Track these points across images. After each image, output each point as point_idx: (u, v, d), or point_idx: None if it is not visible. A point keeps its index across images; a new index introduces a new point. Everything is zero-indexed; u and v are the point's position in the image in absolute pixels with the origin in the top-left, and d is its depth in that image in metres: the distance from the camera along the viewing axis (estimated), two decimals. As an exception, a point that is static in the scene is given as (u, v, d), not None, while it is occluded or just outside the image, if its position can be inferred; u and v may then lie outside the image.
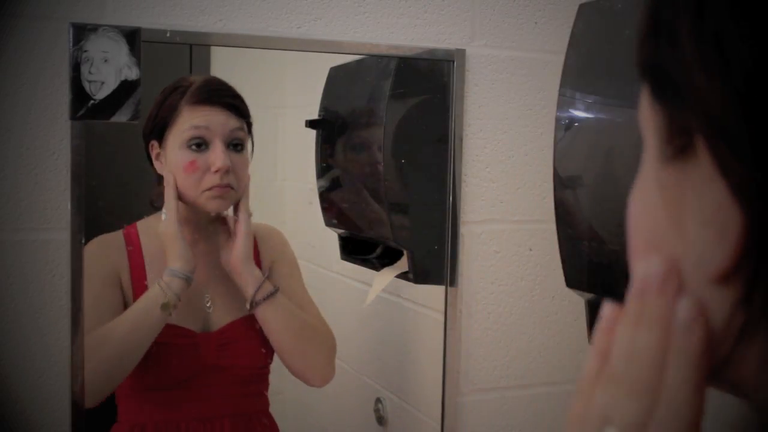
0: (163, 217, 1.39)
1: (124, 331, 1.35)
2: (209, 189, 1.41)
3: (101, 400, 1.36)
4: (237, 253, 1.43)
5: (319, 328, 1.52)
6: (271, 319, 1.45)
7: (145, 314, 1.36)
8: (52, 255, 1.29)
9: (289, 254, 1.57)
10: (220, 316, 1.45)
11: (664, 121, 0.37)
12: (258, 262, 1.48)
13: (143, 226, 1.46)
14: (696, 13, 0.34)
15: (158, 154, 1.42)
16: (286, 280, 1.52)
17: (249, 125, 1.46)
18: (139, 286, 1.41)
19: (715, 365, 0.36)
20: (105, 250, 1.41)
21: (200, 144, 1.40)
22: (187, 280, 1.38)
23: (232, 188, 1.42)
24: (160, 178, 1.44)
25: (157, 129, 1.41)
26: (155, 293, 1.36)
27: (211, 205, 1.42)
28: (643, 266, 0.39)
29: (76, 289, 1.29)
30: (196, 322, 1.44)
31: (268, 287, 1.44)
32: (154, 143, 1.42)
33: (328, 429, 1.71)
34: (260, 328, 1.46)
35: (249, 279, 1.43)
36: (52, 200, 1.29)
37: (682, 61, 0.35)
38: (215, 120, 1.41)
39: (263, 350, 1.47)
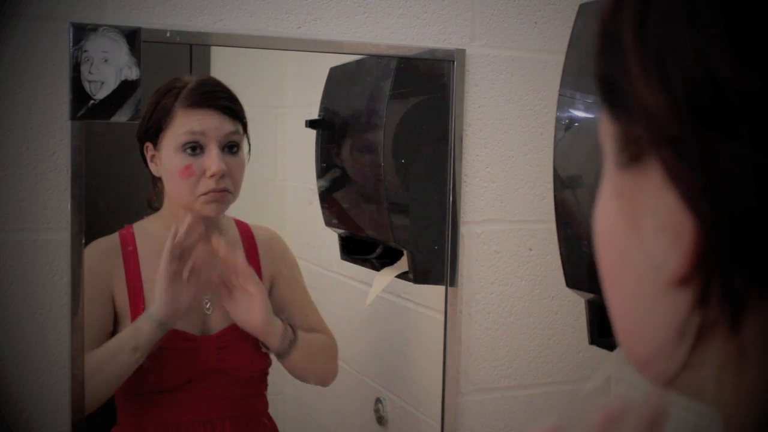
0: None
1: (93, 368, 1.33)
2: (205, 194, 1.39)
3: (92, 410, 1.36)
4: (260, 317, 1.41)
5: (325, 342, 1.54)
6: (295, 360, 1.47)
7: (114, 354, 1.34)
8: (52, 255, 1.29)
9: (290, 260, 1.57)
10: (220, 318, 1.44)
11: (617, 130, 0.38)
12: (258, 271, 1.48)
13: (140, 228, 1.45)
14: (638, 24, 0.36)
15: (153, 156, 1.41)
16: (288, 287, 1.52)
17: (244, 126, 1.45)
18: (135, 289, 1.40)
19: (675, 371, 0.37)
20: (98, 259, 1.38)
21: (195, 148, 1.39)
22: (161, 327, 1.35)
23: (229, 192, 1.41)
24: (156, 180, 1.43)
25: (152, 131, 1.40)
26: (127, 335, 1.35)
27: (207, 210, 1.41)
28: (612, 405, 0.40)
29: (76, 289, 1.29)
30: (195, 325, 1.43)
31: (289, 335, 1.45)
32: (149, 145, 1.41)
33: (328, 429, 1.71)
34: None
35: (273, 335, 1.44)
36: (52, 200, 1.28)
37: (627, 71, 0.36)
38: (210, 124, 1.39)
39: (264, 351, 1.47)
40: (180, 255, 1.35)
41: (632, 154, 0.37)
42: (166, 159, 1.40)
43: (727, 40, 0.32)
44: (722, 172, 0.33)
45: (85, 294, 1.32)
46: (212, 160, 1.38)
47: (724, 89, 0.32)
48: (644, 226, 0.37)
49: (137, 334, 1.34)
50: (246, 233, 1.51)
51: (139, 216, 1.46)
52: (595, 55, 0.39)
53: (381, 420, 1.68)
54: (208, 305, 1.44)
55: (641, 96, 0.35)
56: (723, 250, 0.33)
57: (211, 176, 1.38)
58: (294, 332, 1.46)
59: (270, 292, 1.49)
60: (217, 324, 1.44)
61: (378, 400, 1.69)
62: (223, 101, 1.41)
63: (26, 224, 1.28)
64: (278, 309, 1.48)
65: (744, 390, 0.35)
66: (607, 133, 0.40)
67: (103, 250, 1.40)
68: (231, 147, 1.42)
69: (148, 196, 1.46)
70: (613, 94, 0.38)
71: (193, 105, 1.39)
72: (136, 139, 1.42)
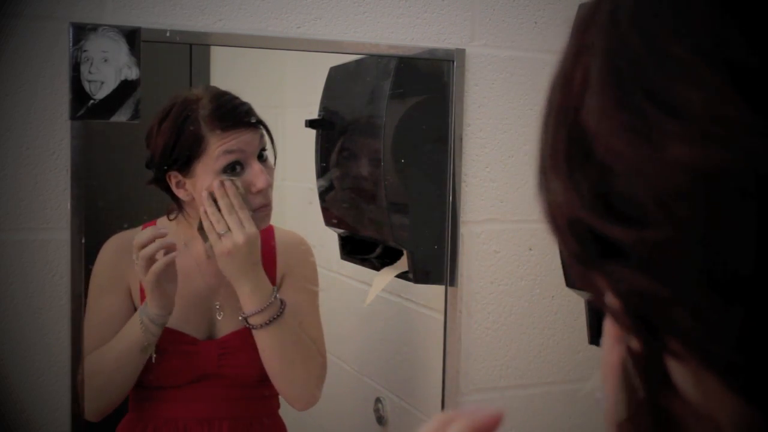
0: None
1: (110, 369, 1.36)
2: (256, 210, 1.38)
3: (105, 414, 1.37)
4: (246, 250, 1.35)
5: (314, 353, 1.47)
6: (271, 339, 1.39)
7: (128, 354, 1.35)
8: (52, 255, 1.29)
9: (306, 265, 1.52)
10: (227, 323, 1.42)
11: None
12: (273, 266, 1.45)
13: (162, 225, 1.44)
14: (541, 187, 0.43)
15: (179, 182, 1.37)
16: (294, 295, 1.46)
17: (266, 127, 1.43)
18: None
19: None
20: (117, 254, 1.37)
21: (235, 168, 1.36)
22: (156, 322, 1.34)
23: (269, 200, 1.41)
24: (179, 201, 1.41)
25: (180, 161, 1.36)
26: (135, 333, 1.34)
27: (261, 225, 1.39)
28: None
29: (76, 289, 1.29)
30: (201, 330, 1.42)
31: (276, 305, 1.38)
32: (174, 173, 1.37)
33: (328, 429, 1.71)
34: None
35: (256, 291, 1.37)
36: (52, 200, 1.29)
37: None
38: (245, 140, 1.37)
39: (245, 323, 1.42)
40: (151, 258, 1.32)
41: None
42: (205, 186, 1.36)
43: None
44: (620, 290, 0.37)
45: (105, 286, 1.34)
46: (256, 174, 1.36)
47: (593, 231, 0.37)
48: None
49: (145, 333, 1.34)
50: (266, 231, 1.48)
51: (139, 216, 1.46)
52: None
53: (381, 420, 1.68)
54: (219, 309, 1.43)
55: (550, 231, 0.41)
56: (648, 344, 0.38)
57: (258, 191, 1.37)
58: (283, 305, 1.39)
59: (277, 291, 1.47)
60: (223, 330, 1.43)
61: (378, 400, 1.69)
62: (245, 114, 1.39)
63: (26, 224, 1.28)
64: None
65: None
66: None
67: (122, 244, 1.39)
68: (261, 155, 1.40)
69: (169, 209, 1.43)
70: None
71: (224, 128, 1.35)
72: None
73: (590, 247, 0.37)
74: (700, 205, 0.33)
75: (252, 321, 1.38)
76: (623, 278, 0.36)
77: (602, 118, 0.36)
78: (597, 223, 0.36)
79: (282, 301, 1.40)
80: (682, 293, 0.34)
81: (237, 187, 1.35)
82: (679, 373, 0.37)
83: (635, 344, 0.39)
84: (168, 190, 1.39)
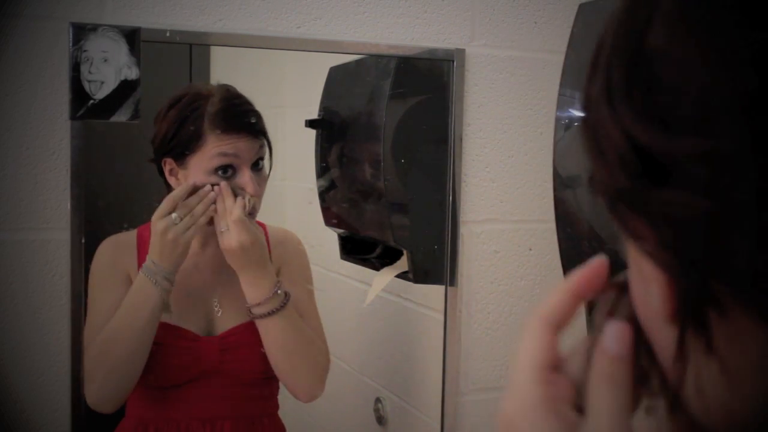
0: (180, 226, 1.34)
1: (128, 335, 1.34)
2: None
3: (121, 403, 1.37)
4: (250, 238, 1.36)
5: (318, 344, 1.49)
6: (276, 329, 1.41)
7: (151, 317, 1.34)
8: (52, 255, 1.29)
9: (301, 259, 1.54)
10: (226, 319, 1.43)
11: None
12: None
13: None
14: (585, 115, 0.42)
15: (173, 170, 1.39)
16: (292, 283, 1.47)
17: (267, 139, 1.44)
18: None
19: (673, 393, 0.41)
20: (116, 252, 1.39)
21: (227, 170, 1.38)
22: (168, 278, 1.34)
23: (256, 210, 1.42)
24: (170, 188, 1.41)
25: (177, 150, 1.38)
26: (153, 296, 1.33)
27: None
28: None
29: (76, 289, 1.29)
30: (201, 326, 1.42)
31: (281, 295, 1.40)
32: (170, 161, 1.39)
33: (328, 428, 1.71)
34: None
35: (262, 279, 1.38)
36: (52, 200, 1.29)
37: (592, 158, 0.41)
38: (242, 146, 1.38)
39: (250, 314, 1.42)
40: (174, 209, 1.34)
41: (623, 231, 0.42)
42: (195, 180, 1.38)
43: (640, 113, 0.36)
44: (670, 221, 0.36)
45: (107, 277, 1.35)
46: (247, 183, 1.38)
47: (646, 152, 0.36)
48: (645, 278, 0.42)
49: (161, 292, 1.33)
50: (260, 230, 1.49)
51: (139, 216, 1.46)
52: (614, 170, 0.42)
53: (381, 420, 1.68)
54: (217, 307, 1.44)
55: (595, 171, 0.40)
56: (692, 291, 0.37)
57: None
58: (287, 297, 1.40)
59: None
60: (223, 326, 1.43)
61: (378, 400, 1.69)
62: (252, 122, 1.41)
63: (26, 224, 1.28)
64: None
65: (735, 402, 0.38)
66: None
67: (119, 243, 1.41)
68: (257, 164, 1.41)
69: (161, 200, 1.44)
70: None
71: (225, 131, 1.37)
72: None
73: (641, 178, 0.36)
74: None
75: (255, 311, 1.39)
76: (680, 204, 0.34)
77: (674, 33, 0.35)
78: (661, 141, 0.34)
79: (286, 294, 1.41)
80: (746, 217, 0.32)
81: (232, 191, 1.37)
82: (721, 331, 0.36)
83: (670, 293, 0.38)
84: (162, 174, 1.41)
